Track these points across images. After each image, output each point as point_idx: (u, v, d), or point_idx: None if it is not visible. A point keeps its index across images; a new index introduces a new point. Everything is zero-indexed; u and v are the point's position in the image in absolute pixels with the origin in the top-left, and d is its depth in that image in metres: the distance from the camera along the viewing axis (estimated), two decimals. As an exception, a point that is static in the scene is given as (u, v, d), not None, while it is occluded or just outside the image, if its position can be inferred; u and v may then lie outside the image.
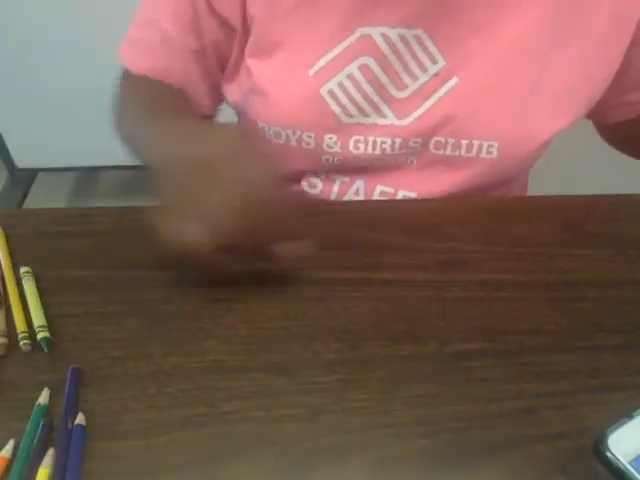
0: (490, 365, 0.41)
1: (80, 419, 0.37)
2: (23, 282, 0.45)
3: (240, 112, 0.65)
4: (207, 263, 0.41)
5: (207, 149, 0.41)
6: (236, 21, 0.55)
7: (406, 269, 0.48)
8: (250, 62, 0.56)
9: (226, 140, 0.42)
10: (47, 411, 0.38)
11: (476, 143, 0.56)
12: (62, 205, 1.65)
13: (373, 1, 0.51)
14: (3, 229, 0.50)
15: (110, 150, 1.57)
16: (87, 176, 1.77)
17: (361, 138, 0.57)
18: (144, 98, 0.58)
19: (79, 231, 0.51)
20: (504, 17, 0.52)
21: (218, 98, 0.64)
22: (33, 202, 1.63)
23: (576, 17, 0.52)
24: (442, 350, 0.42)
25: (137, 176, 1.73)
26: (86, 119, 1.44)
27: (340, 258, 0.48)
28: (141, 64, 0.60)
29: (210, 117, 0.66)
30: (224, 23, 0.56)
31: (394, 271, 0.48)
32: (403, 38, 0.53)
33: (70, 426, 0.37)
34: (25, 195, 1.65)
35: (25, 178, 1.68)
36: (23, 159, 1.64)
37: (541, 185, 0.66)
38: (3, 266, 0.47)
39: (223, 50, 0.59)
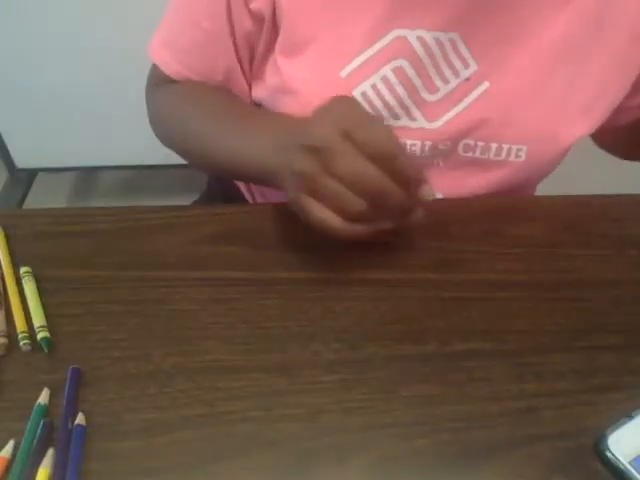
0: (490, 365, 0.41)
1: (80, 419, 0.37)
2: (23, 282, 0.45)
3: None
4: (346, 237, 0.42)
5: (317, 127, 0.41)
6: (267, 11, 0.54)
7: (406, 269, 0.48)
8: (280, 60, 0.56)
9: (331, 115, 0.42)
10: (47, 411, 0.38)
11: (505, 147, 0.56)
12: (62, 205, 1.65)
13: (410, 3, 0.51)
14: (3, 229, 0.50)
15: (110, 150, 1.57)
16: (87, 176, 1.77)
17: None
18: (203, 104, 0.58)
19: (79, 231, 0.51)
20: (538, 25, 0.52)
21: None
22: (33, 202, 1.63)
23: (599, 33, 0.53)
24: (442, 350, 0.42)
25: (137, 176, 1.73)
26: (86, 119, 1.44)
27: (340, 258, 0.48)
28: (185, 67, 0.60)
29: None
30: (256, 15, 0.55)
31: (394, 271, 0.48)
32: (438, 41, 0.53)
33: (70, 426, 0.37)
34: (25, 195, 1.65)
35: (25, 178, 1.67)
36: (23, 159, 1.64)
37: (542, 185, 0.66)
38: (3, 266, 0.47)
39: (254, 43, 0.58)
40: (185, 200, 0.80)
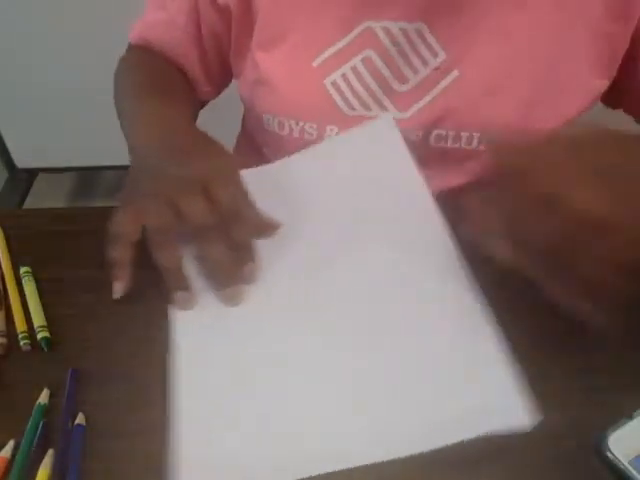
0: (490, 365, 0.41)
1: (80, 419, 0.37)
2: (23, 282, 0.45)
3: (247, 107, 0.66)
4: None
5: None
6: (235, 6, 0.56)
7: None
8: (257, 54, 0.57)
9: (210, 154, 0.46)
10: (47, 411, 0.38)
11: (476, 135, 0.56)
12: (62, 205, 1.65)
13: None
14: (3, 229, 0.50)
15: (110, 150, 1.57)
16: (87, 176, 1.77)
17: None
18: (143, 70, 0.62)
19: (79, 231, 0.51)
20: (507, 10, 0.52)
21: (217, 88, 0.67)
22: (33, 202, 1.63)
23: (567, 17, 0.53)
24: (442, 350, 0.42)
25: (137, 176, 1.73)
26: (86, 119, 1.44)
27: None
28: (144, 35, 0.63)
29: (205, 102, 0.70)
30: (224, 13, 0.57)
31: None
32: (404, 32, 0.53)
33: (70, 426, 0.37)
34: (25, 195, 1.65)
35: (25, 178, 1.68)
36: (23, 159, 1.64)
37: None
38: (3, 266, 0.47)
39: (222, 41, 0.61)
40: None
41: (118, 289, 0.43)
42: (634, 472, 0.35)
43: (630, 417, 0.37)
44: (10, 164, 1.64)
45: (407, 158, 0.51)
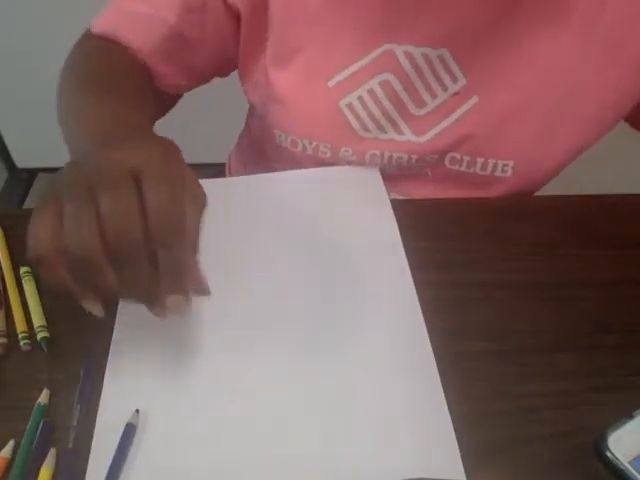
0: (490, 365, 0.41)
1: (133, 418, 0.37)
2: (23, 282, 0.45)
3: (258, 114, 0.64)
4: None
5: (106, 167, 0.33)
6: (244, 9, 0.53)
7: (406, 269, 0.48)
8: (271, 71, 0.56)
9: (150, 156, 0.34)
10: (47, 411, 0.38)
11: (491, 162, 0.56)
12: (62, 205, 1.65)
13: (400, 18, 0.50)
14: (3, 229, 0.50)
15: (110, 150, 1.56)
16: (87, 176, 1.77)
17: (377, 152, 0.56)
18: (101, 62, 0.55)
19: (79, 231, 0.51)
20: (528, 41, 0.51)
21: (195, 81, 0.61)
22: (33, 202, 1.63)
23: (592, 47, 0.51)
24: (442, 350, 0.42)
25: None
26: (86, 119, 1.44)
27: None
28: (114, 26, 0.56)
29: (177, 96, 0.64)
30: (233, 14, 0.54)
31: (394, 271, 0.48)
32: (426, 57, 0.52)
33: (75, 423, 0.37)
34: (25, 195, 1.65)
35: (25, 178, 1.68)
36: (23, 159, 1.64)
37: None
38: (3, 266, 0.47)
39: (227, 42, 0.56)
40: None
41: (96, 311, 0.35)
42: (634, 472, 0.35)
43: (630, 417, 0.37)
44: (10, 164, 1.64)
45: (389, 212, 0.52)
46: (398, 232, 0.50)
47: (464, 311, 0.45)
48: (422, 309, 0.44)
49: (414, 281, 0.46)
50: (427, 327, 0.43)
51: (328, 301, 0.45)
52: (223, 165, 0.81)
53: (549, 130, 0.54)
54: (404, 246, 0.49)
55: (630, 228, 0.53)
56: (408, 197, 0.59)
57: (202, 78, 0.62)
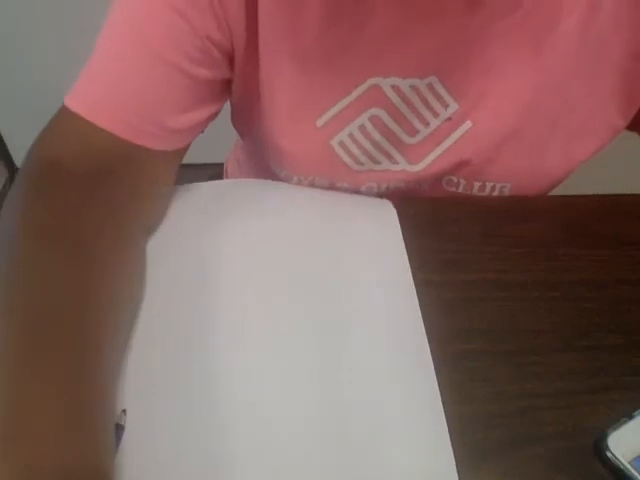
0: (490, 365, 0.41)
1: (120, 419, 0.37)
2: (23, 282, 0.45)
3: (248, 143, 0.63)
4: None
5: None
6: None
7: (406, 269, 0.48)
8: (257, 114, 0.53)
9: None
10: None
11: (489, 185, 0.55)
12: (62, 205, 1.65)
13: (382, 50, 0.48)
14: (3, 229, 0.50)
15: (110, 150, 1.56)
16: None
17: (374, 184, 0.56)
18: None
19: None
20: (521, 57, 0.49)
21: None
22: (33, 202, 1.63)
23: (598, 51, 0.49)
24: (442, 350, 0.42)
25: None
26: (86, 119, 1.44)
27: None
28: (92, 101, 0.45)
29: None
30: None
31: (394, 271, 0.48)
32: (415, 88, 0.50)
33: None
34: (25, 195, 1.65)
35: (25, 178, 1.68)
36: (23, 159, 1.64)
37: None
38: (3, 266, 0.47)
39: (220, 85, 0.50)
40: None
41: None
42: (634, 472, 0.35)
43: (630, 417, 0.37)
44: (10, 164, 1.64)
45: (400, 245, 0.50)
46: (400, 233, 0.50)
47: (464, 311, 0.45)
48: (422, 309, 0.44)
49: (414, 281, 0.46)
50: (427, 327, 0.43)
51: (326, 302, 0.44)
52: (223, 165, 0.81)
53: (544, 149, 0.54)
54: (405, 246, 0.49)
55: (630, 228, 0.53)
56: None
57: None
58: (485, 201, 0.56)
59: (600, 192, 0.57)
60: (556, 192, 0.57)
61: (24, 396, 0.30)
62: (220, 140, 0.65)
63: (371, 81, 0.50)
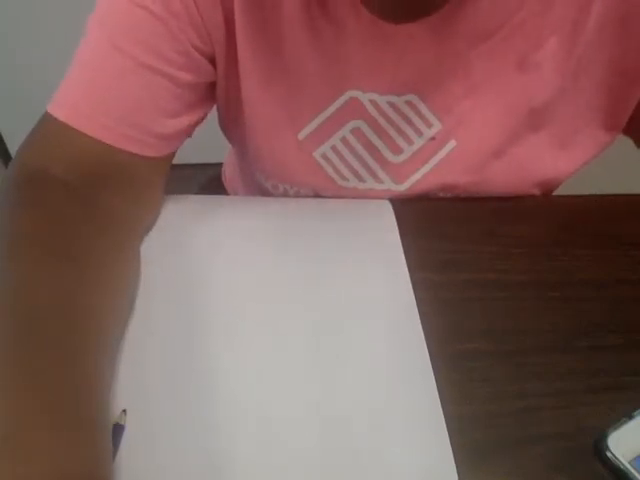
0: (490, 365, 0.41)
1: (120, 418, 0.37)
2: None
3: (239, 154, 0.63)
4: None
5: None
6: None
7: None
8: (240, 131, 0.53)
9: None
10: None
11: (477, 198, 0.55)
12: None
13: (358, 72, 0.48)
14: (3, 229, 0.50)
15: (110, 150, 1.56)
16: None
17: None
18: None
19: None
20: (504, 72, 0.49)
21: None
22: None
23: (583, 69, 0.49)
24: (442, 350, 0.42)
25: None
26: (86, 119, 1.44)
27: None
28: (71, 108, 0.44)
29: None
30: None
31: (394, 271, 0.48)
32: (393, 105, 0.50)
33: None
34: (25, 195, 1.65)
35: (25, 178, 1.67)
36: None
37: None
38: (3, 266, 0.47)
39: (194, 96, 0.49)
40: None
41: None
42: (634, 472, 0.35)
43: (630, 417, 0.37)
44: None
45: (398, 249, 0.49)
46: (398, 234, 0.50)
47: (464, 311, 0.45)
48: (422, 309, 0.44)
49: (414, 281, 0.46)
50: (427, 327, 0.43)
51: (324, 302, 0.44)
52: (222, 165, 0.81)
53: (530, 165, 0.54)
54: (404, 246, 0.49)
55: (630, 228, 0.53)
56: None
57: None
58: (485, 201, 0.56)
59: (601, 192, 0.57)
60: (556, 192, 0.57)
61: (18, 402, 0.29)
62: (220, 140, 0.65)
63: (350, 93, 0.49)
